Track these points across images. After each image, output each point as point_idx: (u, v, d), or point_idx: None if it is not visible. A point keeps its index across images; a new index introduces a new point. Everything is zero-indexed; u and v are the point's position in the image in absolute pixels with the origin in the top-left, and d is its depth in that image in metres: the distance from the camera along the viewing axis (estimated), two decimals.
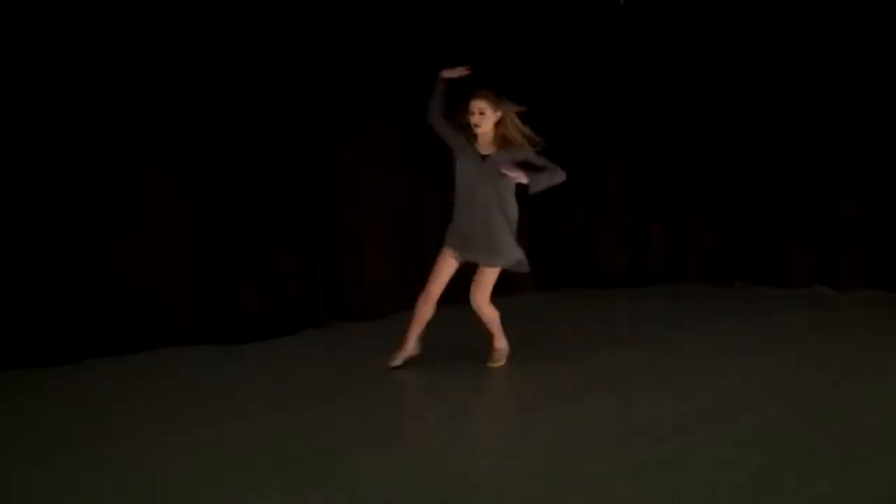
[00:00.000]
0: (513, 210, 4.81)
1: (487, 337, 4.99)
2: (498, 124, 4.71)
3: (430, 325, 4.84)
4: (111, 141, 5.05)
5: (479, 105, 4.67)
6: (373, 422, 4.06)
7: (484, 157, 4.72)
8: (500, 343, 5.01)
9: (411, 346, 4.89)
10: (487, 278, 4.79)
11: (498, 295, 4.83)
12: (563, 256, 7.35)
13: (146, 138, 5.16)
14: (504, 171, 4.64)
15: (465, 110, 4.70)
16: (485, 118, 4.68)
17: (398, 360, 4.86)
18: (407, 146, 6.30)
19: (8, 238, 4.78)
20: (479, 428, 4.14)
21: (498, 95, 4.72)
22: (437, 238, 6.31)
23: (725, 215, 7.48)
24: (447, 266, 4.81)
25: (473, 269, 4.85)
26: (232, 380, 4.76)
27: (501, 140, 4.73)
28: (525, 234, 6.97)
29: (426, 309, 4.81)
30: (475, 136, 4.73)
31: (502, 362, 4.97)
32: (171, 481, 3.37)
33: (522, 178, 4.68)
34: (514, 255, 4.82)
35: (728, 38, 7.21)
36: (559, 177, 4.81)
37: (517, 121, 4.75)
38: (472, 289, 4.82)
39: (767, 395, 4.41)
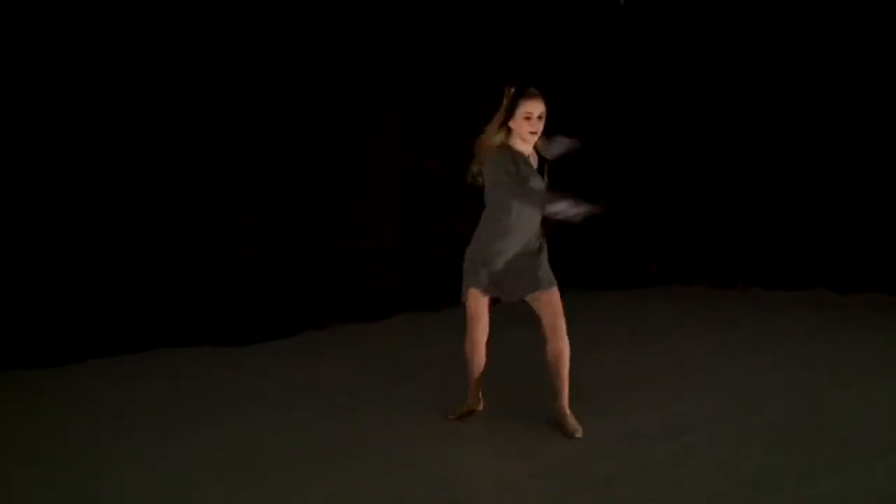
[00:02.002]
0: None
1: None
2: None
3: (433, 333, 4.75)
4: (109, 138, 5.05)
5: (542, 108, 3.71)
6: (373, 422, 4.06)
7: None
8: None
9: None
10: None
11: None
12: (564, 259, 7.34)
13: (143, 136, 5.17)
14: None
15: (511, 112, 3.67)
16: (541, 125, 3.73)
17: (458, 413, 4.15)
18: (409, 148, 6.30)
19: (8, 238, 4.79)
20: (479, 428, 4.13)
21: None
22: (437, 239, 6.38)
23: (726, 217, 7.47)
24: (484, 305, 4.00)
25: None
26: (232, 380, 4.76)
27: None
28: None
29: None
30: (508, 144, 3.72)
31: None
32: (172, 482, 3.38)
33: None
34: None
35: (729, 38, 7.20)
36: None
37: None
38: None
39: (767, 395, 4.41)
